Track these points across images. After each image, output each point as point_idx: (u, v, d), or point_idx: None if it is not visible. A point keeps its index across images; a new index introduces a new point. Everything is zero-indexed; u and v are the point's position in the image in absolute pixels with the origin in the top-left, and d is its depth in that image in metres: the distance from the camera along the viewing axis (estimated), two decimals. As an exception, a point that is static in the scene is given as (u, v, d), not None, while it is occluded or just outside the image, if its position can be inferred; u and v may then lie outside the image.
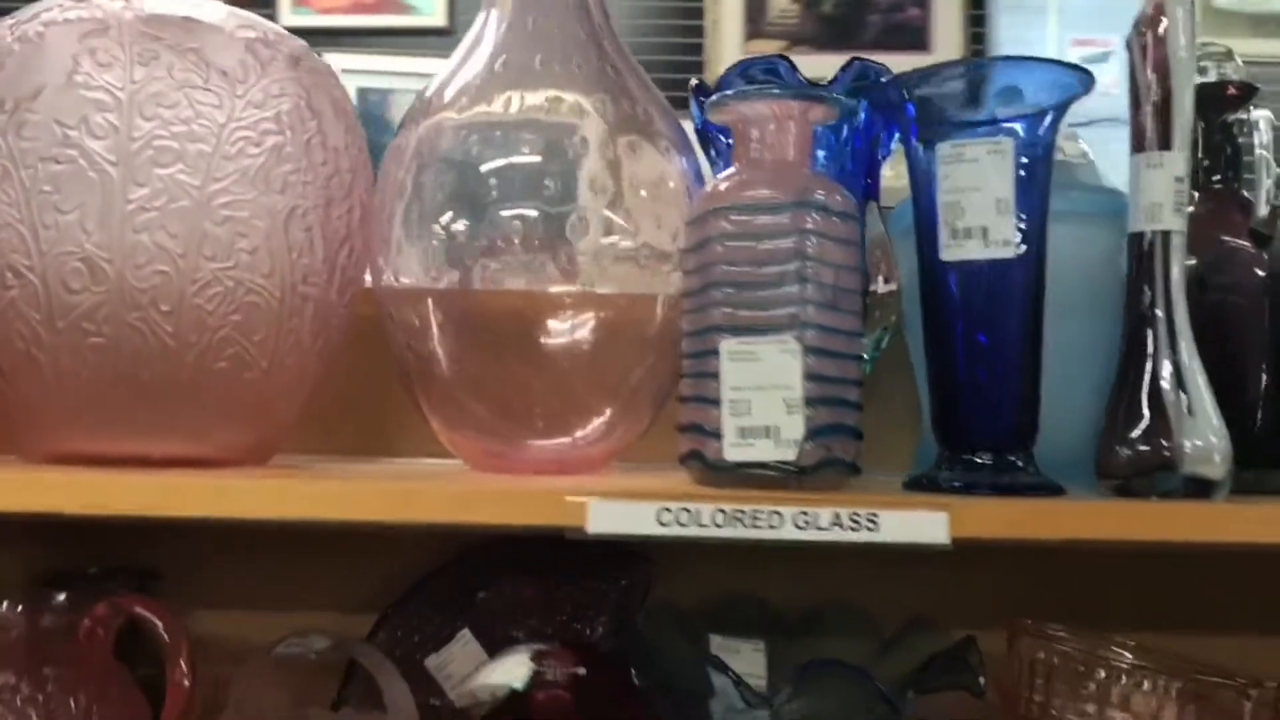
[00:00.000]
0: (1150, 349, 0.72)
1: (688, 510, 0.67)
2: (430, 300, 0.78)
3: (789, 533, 0.67)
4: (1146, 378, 0.71)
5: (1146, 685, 0.72)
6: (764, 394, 0.70)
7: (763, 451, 0.70)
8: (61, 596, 0.76)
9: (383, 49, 2.68)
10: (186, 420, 0.74)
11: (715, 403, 0.71)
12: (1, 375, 0.72)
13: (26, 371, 0.71)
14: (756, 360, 0.70)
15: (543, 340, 0.79)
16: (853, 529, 0.67)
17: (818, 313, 0.70)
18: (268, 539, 1.00)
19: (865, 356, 0.82)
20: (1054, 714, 0.75)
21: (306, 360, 0.79)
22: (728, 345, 0.71)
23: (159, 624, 0.74)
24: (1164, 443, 0.70)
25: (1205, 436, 0.70)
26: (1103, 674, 0.74)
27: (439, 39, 2.68)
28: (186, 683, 0.75)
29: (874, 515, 0.67)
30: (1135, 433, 0.71)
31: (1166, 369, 0.71)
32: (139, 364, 0.71)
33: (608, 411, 0.82)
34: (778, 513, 0.67)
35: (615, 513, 0.68)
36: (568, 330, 0.79)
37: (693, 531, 0.67)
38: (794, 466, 0.69)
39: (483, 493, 0.71)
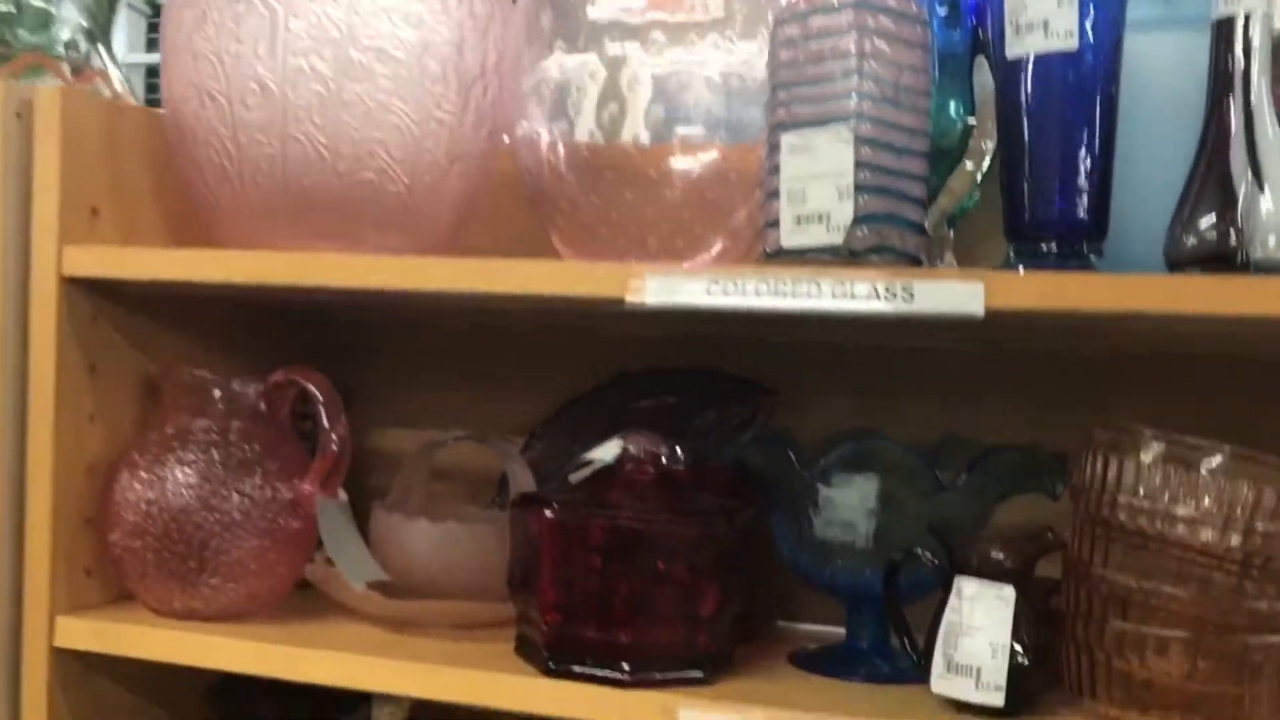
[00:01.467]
0: (1229, 130, 0.70)
1: (733, 282, 0.74)
2: (559, 145, 0.86)
3: (826, 302, 0.72)
4: (1217, 163, 0.70)
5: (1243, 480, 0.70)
6: (819, 182, 0.75)
7: (814, 236, 0.74)
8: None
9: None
10: (344, 225, 0.89)
11: (779, 195, 0.76)
12: (205, 184, 0.90)
13: (220, 179, 0.88)
14: (812, 151, 0.75)
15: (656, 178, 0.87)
16: (888, 299, 0.71)
17: (874, 106, 0.74)
18: (444, 362, 1.14)
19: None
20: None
21: (444, 182, 0.91)
22: (787, 139, 0.76)
23: (318, 393, 0.89)
24: (1230, 229, 0.69)
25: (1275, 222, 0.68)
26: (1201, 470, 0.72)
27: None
28: (335, 446, 0.90)
29: (909, 286, 0.70)
30: (1203, 220, 0.70)
31: (1239, 155, 0.69)
32: (301, 172, 0.86)
33: (717, 244, 0.89)
34: (816, 284, 0.72)
35: (669, 285, 0.75)
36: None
37: (735, 300, 0.73)
38: (844, 249, 0.73)
39: (565, 269, 0.81)
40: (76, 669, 0.92)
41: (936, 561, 0.79)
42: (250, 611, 0.91)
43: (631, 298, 0.76)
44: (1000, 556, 0.76)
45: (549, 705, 0.79)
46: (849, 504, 0.82)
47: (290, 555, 0.92)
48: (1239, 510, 0.69)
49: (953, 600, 0.76)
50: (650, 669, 0.79)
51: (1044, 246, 0.75)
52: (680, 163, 0.85)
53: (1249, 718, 0.69)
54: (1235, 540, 0.69)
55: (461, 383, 1.15)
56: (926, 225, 0.77)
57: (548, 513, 0.80)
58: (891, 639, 0.85)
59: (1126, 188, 0.76)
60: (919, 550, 0.79)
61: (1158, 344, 0.90)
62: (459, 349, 1.15)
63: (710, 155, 0.85)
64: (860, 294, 0.71)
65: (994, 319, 0.69)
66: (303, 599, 0.96)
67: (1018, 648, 0.74)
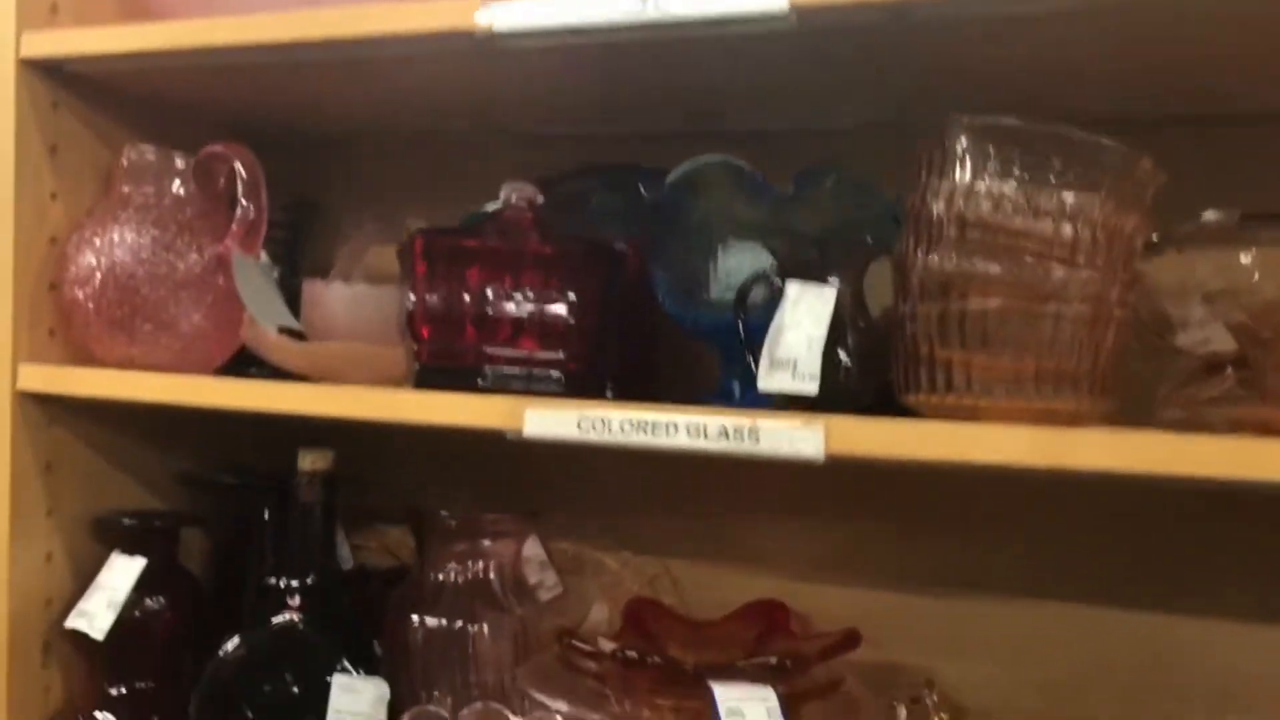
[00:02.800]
0: None
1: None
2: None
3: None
4: None
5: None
6: None
7: None
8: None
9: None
10: None
11: None
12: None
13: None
14: None
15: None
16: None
17: None
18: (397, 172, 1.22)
19: None
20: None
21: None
22: None
23: (240, 164, 0.98)
24: None
25: None
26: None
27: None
28: (252, 211, 0.98)
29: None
30: None
31: None
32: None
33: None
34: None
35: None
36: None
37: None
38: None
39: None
40: (37, 414, 1.03)
41: (778, 282, 0.82)
42: (188, 366, 1.01)
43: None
44: (817, 258, 0.79)
45: (416, 413, 0.86)
46: (697, 227, 0.86)
47: (220, 311, 1.01)
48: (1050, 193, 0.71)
49: (781, 304, 0.80)
50: (509, 380, 0.85)
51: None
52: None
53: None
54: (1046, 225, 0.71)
55: (416, 190, 1.22)
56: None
57: (418, 238, 0.87)
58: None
59: None
60: (766, 271, 0.83)
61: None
62: (411, 158, 1.23)
63: None
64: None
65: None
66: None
67: (840, 351, 0.78)
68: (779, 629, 1.00)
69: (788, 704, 0.82)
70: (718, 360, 0.95)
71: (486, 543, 1.06)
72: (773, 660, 0.85)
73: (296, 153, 1.25)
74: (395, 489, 1.18)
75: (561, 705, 0.87)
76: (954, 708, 0.94)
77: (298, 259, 1.20)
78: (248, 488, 1.13)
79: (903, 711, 0.92)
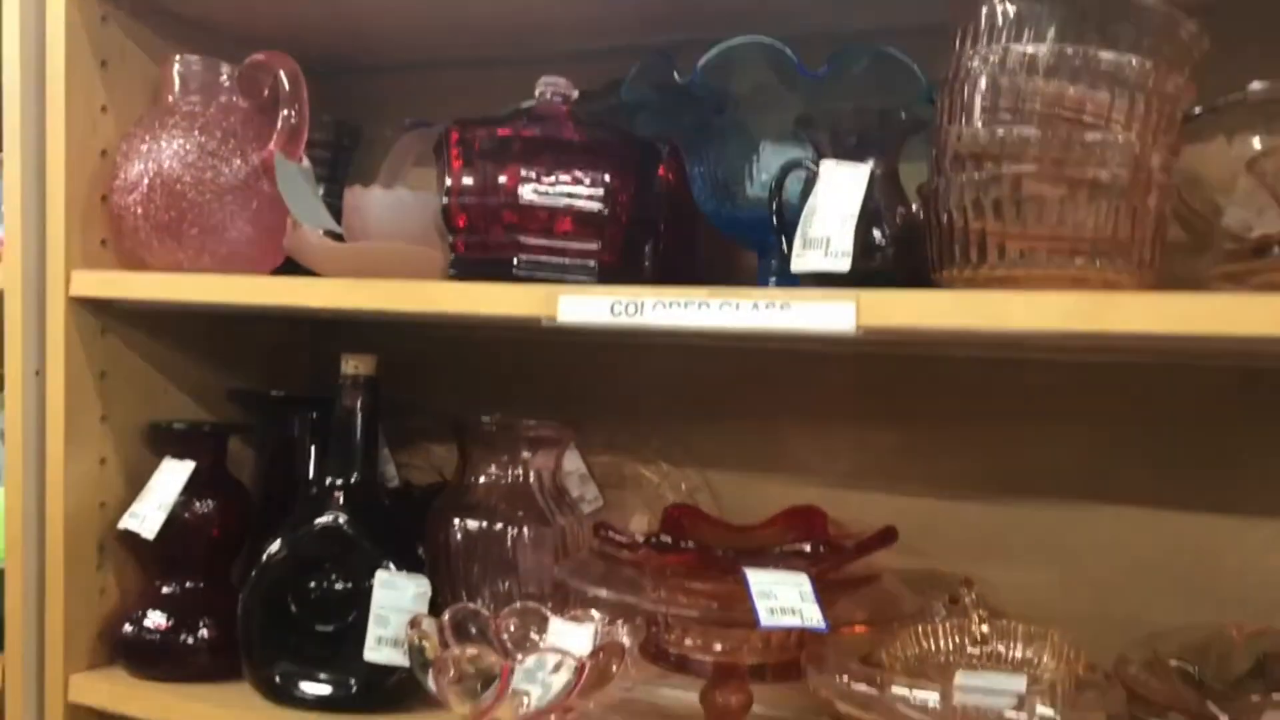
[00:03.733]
0: None
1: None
2: None
3: None
4: None
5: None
6: None
7: None
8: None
9: None
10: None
11: None
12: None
13: None
14: None
15: None
16: None
17: None
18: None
19: None
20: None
21: None
22: None
23: (283, 72, 0.99)
24: None
25: None
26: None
27: None
28: (294, 117, 1.00)
29: None
30: None
31: None
32: None
33: None
34: None
35: None
36: None
37: None
38: None
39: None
40: (90, 321, 1.06)
41: (813, 168, 0.82)
42: (233, 269, 1.03)
43: None
44: (853, 139, 0.78)
45: (452, 303, 0.87)
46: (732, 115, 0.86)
47: (265, 218, 1.02)
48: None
49: (815, 184, 0.79)
50: (545, 269, 0.86)
51: None
52: None
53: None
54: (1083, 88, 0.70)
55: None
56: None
57: (453, 128, 0.87)
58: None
59: None
60: (802, 158, 0.83)
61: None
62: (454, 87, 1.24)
63: None
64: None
65: None
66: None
67: (874, 231, 0.77)
68: (817, 533, 1.00)
69: (821, 592, 0.82)
70: (756, 261, 0.94)
71: (526, 453, 1.07)
72: (806, 547, 0.85)
73: (340, 81, 1.27)
74: (440, 407, 1.20)
75: (600, 591, 0.87)
76: (992, 609, 0.93)
77: (340, 179, 1.22)
78: (294, 400, 1.16)
79: (940, 609, 0.92)
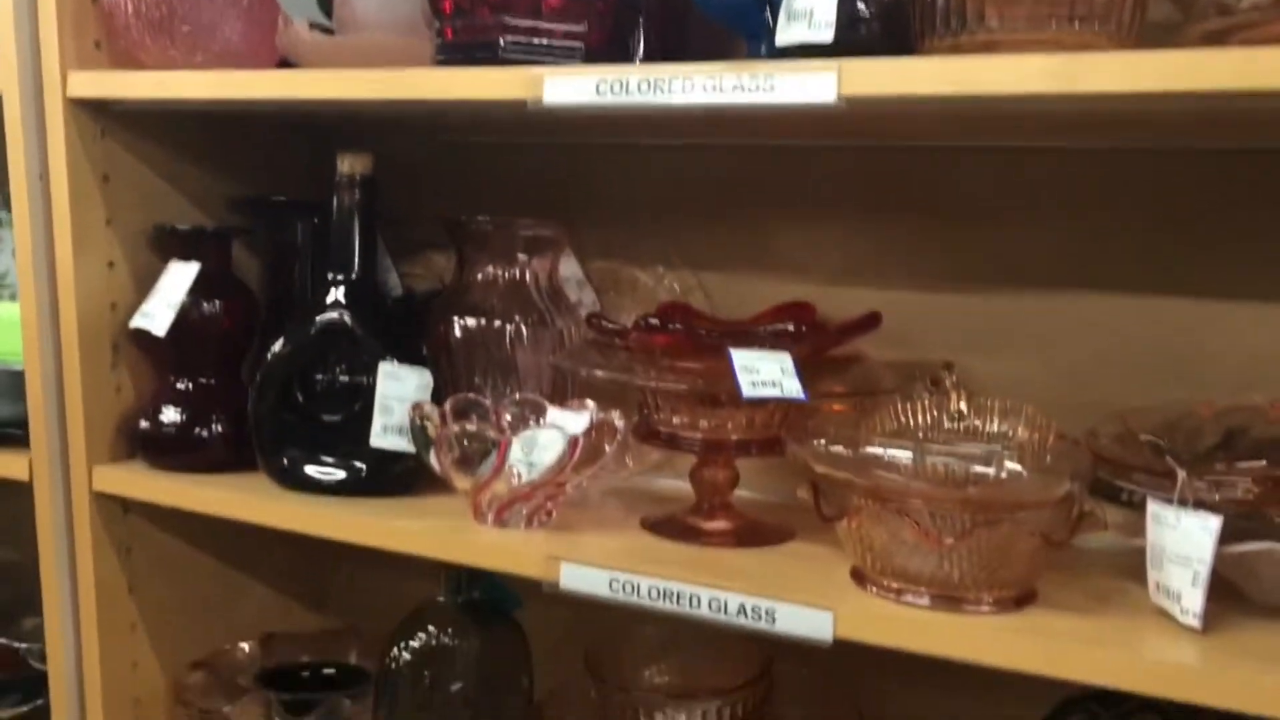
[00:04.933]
0: None
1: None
2: None
3: None
4: None
5: None
6: None
7: None
8: None
9: None
10: None
11: None
12: None
13: None
14: None
15: None
16: None
17: None
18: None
19: None
20: None
21: None
22: None
23: None
24: None
25: None
26: None
27: None
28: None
29: None
30: None
31: None
32: None
33: None
34: None
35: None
36: None
37: None
38: None
39: None
40: (89, 123, 1.07)
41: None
42: (227, 67, 1.03)
43: None
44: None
45: (438, 89, 0.88)
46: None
47: (257, 12, 1.02)
48: None
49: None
50: (531, 52, 0.86)
51: None
52: None
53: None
54: None
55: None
56: None
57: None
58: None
59: None
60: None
61: None
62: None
63: None
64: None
65: None
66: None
67: (859, 2, 0.77)
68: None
69: (804, 372, 0.85)
70: (746, 47, 0.94)
71: (522, 254, 1.09)
72: (790, 327, 0.87)
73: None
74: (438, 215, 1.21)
75: (594, 371, 0.90)
76: (972, 394, 0.96)
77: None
78: (295, 205, 1.17)
79: (922, 391, 0.94)
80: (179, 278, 1.09)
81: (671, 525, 0.96)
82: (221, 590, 1.26)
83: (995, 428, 0.88)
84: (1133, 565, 0.81)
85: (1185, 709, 0.86)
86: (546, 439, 0.90)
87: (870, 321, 0.93)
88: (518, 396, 1.04)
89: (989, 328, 1.02)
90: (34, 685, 1.24)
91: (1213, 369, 0.94)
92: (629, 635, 1.05)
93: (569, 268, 1.18)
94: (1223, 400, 0.90)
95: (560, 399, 1.04)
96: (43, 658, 1.18)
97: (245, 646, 1.23)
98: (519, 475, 0.91)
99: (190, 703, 1.14)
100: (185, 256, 1.10)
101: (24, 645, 1.33)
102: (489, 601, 1.09)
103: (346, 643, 1.26)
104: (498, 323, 1.06)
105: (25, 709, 1.32)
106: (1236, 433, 0.89)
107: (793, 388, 0.83)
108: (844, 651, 1.05)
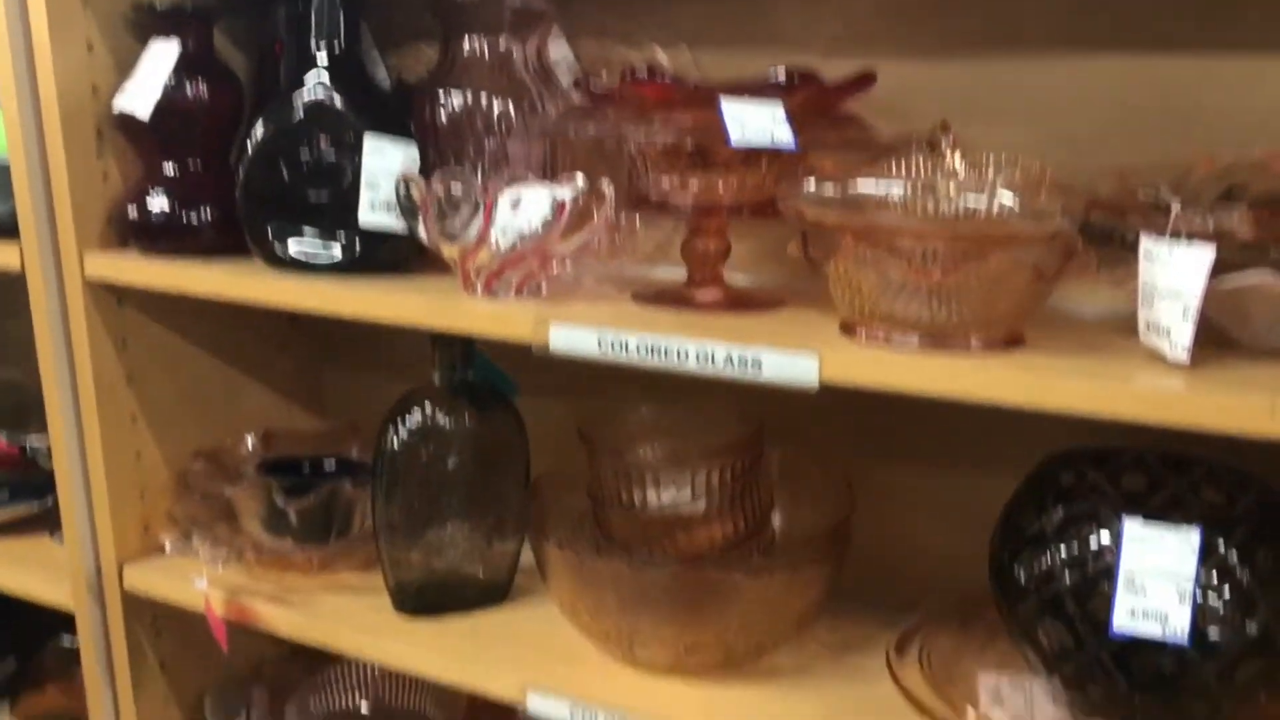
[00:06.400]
0: None
1: None
2: None
3: None
4: None
5: None
6: None
7: None
8: None
9: None
10: None
11: None
12: None
13: None
14: None
15: None
16: None
17: None
18: None
19: None
20: None
21: None
22: None
23: None
24: None
25: None
26: None
27: None
28: None
29: None
30: None
31: None
32: None
33: None
34: None
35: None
36: None
37: None
38: None
39: None
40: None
41: None
42: None
43: None
44: None
45: None
46: None
47: None
48: None
49: None
50: None
51: None
52: None
53: None
54: None
55: None
56: None
57: None
58: None
59: None
60: None
61: None
62: None
63: None
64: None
65: None
66: None
67: None
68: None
69: (796, 123, 0.83)
70: None
71: (509, 31, 1.05)
72: (781, 78, 0.85)
73: None
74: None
75: (584, 128, 0.88)
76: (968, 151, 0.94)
77: None
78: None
79: (917, 153, 0.92)
80: (160, 57, 1.07)
81: (662, 295, 0.96)
82: (221, 389, 1.27)
83: (991, 178, 0.86)
84: (1122, 326, 0.81)
85: (1173, 463, 0.87)
86: (532, 198, 0.89)
87: (865, 81, 0.90)
88: (505, 172, 1.02)
89: (987, 96, 0.99)
90: (46, 485, 1.27)
91: (1213, 127, 0.92)
92: (623, 416, 1.06)
93: (559, 50, 1.15)
94: (1223, 156, 0.88)
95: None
96: (51, 457, 1.20)
97: (248, 440, 1.24)
98: (505, 239, 0.90)
99: (192, 487, 1.16)
100: (166, 35, 1.07)
101: (32, 444, 1.35)
102: (484, 385, 1.09)
103: (347, 439, 1.28)
104: (485, 101, 1.04)
105: (38, 508, 1.35)
106: (1237, 188, 0.87)
107: (783, 136, 0.81)
108: (831, 427, 1.06)
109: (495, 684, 0.99)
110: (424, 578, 1.09)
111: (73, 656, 1.26)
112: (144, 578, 1.17)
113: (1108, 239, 0.78)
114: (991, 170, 0.85)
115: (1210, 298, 0.72)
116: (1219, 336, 0.80)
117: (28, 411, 1.35)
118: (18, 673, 1.54)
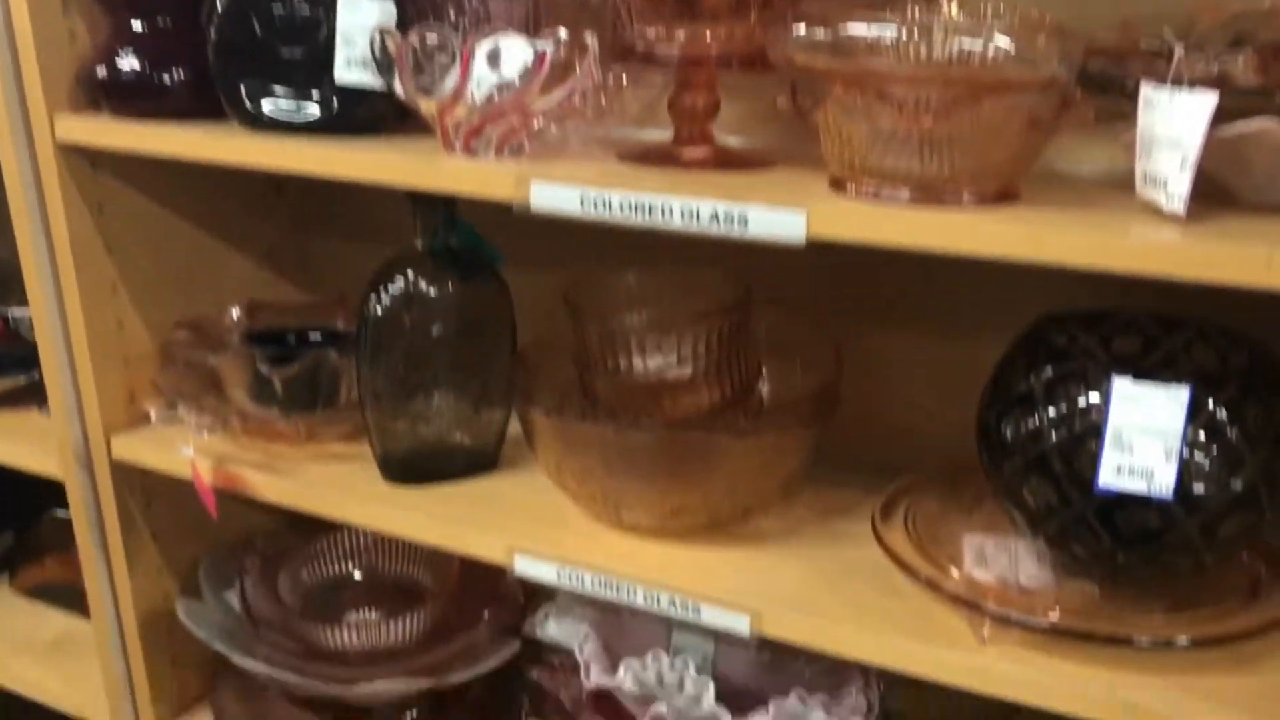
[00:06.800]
0: None
1: None
2: None
3: None
4: None
5: None
6: None
7: None
8: None
9: None
10: None
11: None
12: None
13: None
14: None
15: None
16: None
17: None
18: None
19: None
20: None
21: None
22: None
23: None
24: None
25: None
26: None
27: None
28: None
29: None
30: None
31: None
32: None
33: None
34: None
35: None
36: None
37: None
38: None
39: None
40: None
41: None
42: None
43: None
44: None
45: None
46: None
47: None
48: None
49: None
50: None
51: None
52: None
53: None
54: None
55: None
56: None
57: None
58: None
59: None
60: None
61: None
62: None
63: None
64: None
65: None
66: None
67: None
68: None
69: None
70: None
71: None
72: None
73: None
74: None
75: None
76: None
77: None
78: None
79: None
80: (123, -94, 1.02)
81: (648, 154, 0.93)
82: (203, 259, 1.25)
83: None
84: (1119, 184, 0.78)
85: (1166, 325, 0.86)
86: (511, 50, 0.86)
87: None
88: (486, 29, 0.98)
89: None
90: (31, 357, 1.25)
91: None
92: (609, 281, 1.05)
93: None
94: (1231, 4, 0.85)
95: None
96: (34, 329, 1.18)
97: (232, 311, 1.23)
98: (481, 92, 0.87)
99: (175, 357, 1.15)
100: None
101: (14, 315, 1.33)
102: (469, 252, 1.07)
103: (332, 311, 1.26)
104: (466, -50, 0.99)
105: (25, 380, 1.34)
106: (1244, 36, 0.84)
107: (772, -24, 0.78)
108: (820, 291, 1.04)
109: (482, 547, 0.99)
110: (411, 446, 1.08)
111: (69, 528, 1.26)
112: (131, 447, 1.17)
113: (1108, 88, 0.75)
114: (990, 19, 0.81)
115: (1210, 147, 0.69)
116: (1218, 192, 0.77)
117: (10, 284, 1.33)
118: (16, 545, 1.56)
